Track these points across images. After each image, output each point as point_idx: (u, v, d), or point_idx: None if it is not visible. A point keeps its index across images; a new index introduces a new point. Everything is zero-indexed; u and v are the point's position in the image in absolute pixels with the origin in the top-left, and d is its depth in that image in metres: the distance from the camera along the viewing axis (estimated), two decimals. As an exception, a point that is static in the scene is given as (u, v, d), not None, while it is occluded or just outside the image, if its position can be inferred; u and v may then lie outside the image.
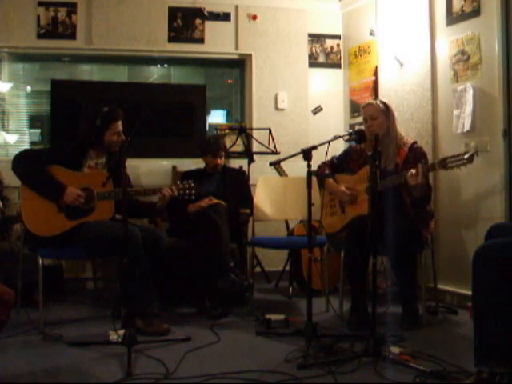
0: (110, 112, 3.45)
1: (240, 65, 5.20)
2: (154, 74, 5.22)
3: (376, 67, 4.73)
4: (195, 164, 4.41)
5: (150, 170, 4.66)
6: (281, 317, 3.31)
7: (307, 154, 2.87)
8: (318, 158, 3.31)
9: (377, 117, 3.45)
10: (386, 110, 3.48)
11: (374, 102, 3.55)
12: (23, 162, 3.34)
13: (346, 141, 4.23)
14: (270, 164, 3.34)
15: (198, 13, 4.89)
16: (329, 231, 3.71)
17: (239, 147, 4.59)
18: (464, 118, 3.75)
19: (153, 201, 3.59)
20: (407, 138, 3.54)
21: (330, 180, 3.66)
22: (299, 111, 5.11)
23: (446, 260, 3.94)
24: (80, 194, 3.30)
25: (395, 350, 2.68)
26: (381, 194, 3.17)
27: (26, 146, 4.72)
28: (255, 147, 4.72)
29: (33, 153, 3.57)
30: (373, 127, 3.42)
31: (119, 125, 3.46)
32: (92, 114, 3.45)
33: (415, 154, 3.40)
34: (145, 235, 3.25)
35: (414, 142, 3.49)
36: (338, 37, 5.23)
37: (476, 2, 3.67)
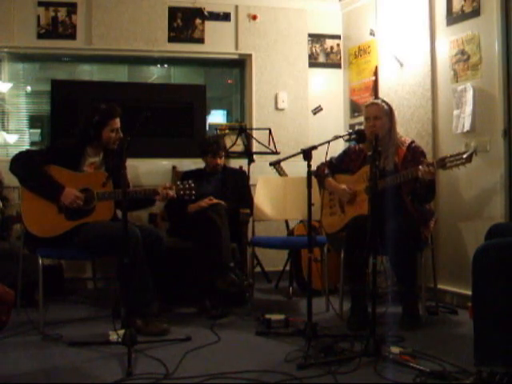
0: (108, 109, 3.45)
1: (240, 65, 5.20)
2: (154, 74, 5.22)
3: (376, 67, 4.73)
4: (195, 164, 4.40)
5: (150, 170, 4.65)
6: (281, 317, 3.31)
7: (307, 153, 2.87)
8: (317, 158, 3.30)
9: (380, 117, 3.43)
10: (389, 111, 3.47)
11: (378, 101, 3.54)
12: (21, 163, 3.33)
13: (346, 141, 4.23)
14: (270, 164, 3.34)
15: (198, 13, 4.88)
16: (329, 231, 3.71)
17: (239, 147, 4.58)
18: (464, 118, 3.75)
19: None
20: (405, 138, 3.54)
21: (330, 179, 3.66)
22: (299, 111, 5.11)
23: (446, 260, 3.93)
24: (78, 196, 3.29)
25: (395, 349, 2.68)
26: (380, 193, 3.17)
27: (26, 146, 4.71)
28: (255, 147, 4.71)
29: (30, 153, 3.55)
30: (375, 127, 3.40)
31: (117, 122, 3.47)
32: (90, 111, 3.46)
33: (414, 153, 3.40)
34: (145, 235, 3.25)
35: (412, 142, 3.49)
36: (338, 37, 5.23)
37: (476, 2, 3.67)
